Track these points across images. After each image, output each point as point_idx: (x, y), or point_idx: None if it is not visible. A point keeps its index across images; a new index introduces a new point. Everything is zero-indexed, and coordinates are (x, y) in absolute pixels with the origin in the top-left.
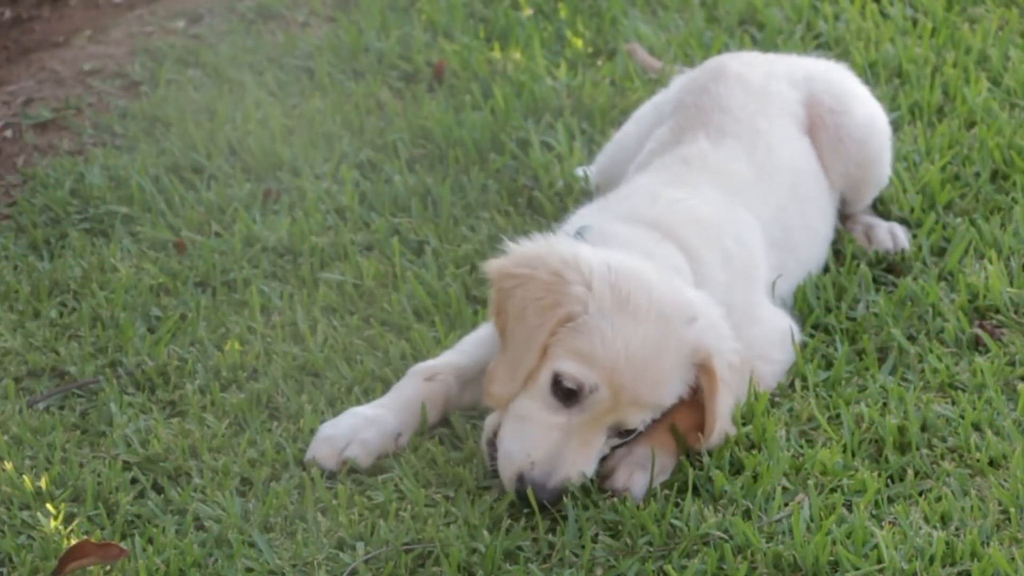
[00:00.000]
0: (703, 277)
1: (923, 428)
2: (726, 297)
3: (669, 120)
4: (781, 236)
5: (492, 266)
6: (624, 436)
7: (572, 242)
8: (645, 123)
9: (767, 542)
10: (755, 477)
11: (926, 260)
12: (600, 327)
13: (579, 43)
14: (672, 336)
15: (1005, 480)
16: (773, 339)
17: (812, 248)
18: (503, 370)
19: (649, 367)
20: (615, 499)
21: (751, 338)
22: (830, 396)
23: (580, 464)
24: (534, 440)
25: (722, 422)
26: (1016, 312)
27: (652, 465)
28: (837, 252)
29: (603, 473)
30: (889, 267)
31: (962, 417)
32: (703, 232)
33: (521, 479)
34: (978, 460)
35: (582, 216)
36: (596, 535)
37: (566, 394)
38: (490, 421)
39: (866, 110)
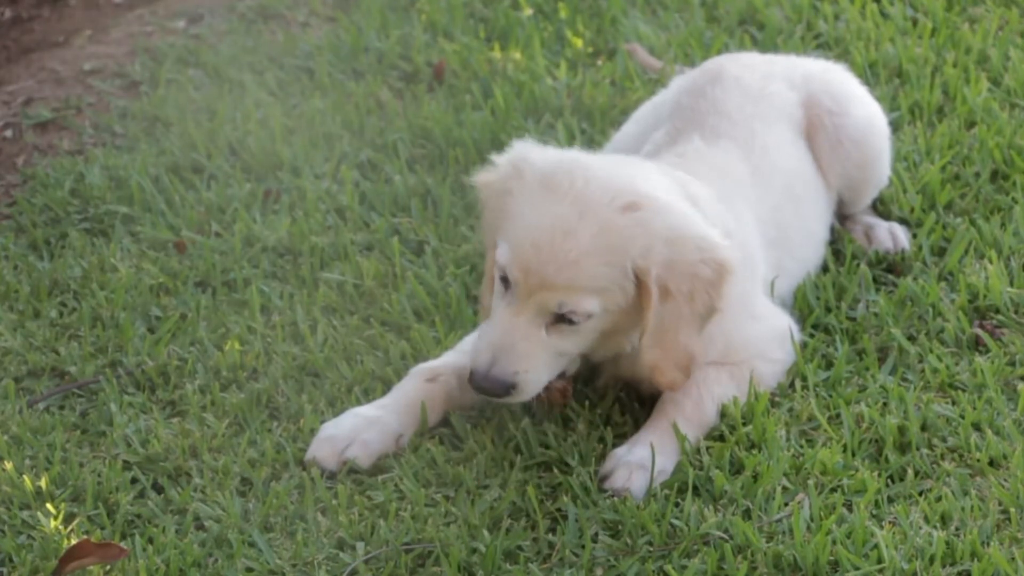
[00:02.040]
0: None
1: (923, 428)
2: None
3: (666, 123)
4: (777, 235)
5: (479, 176)
6: (569, 324)
7: (535, 144)
8: (644, 123)
9: (767, 542)
10: (755, 477)
11: (926, 260)
12: (518, 210)
13: (579, 43)
14: (590, 219)
15: (1005, 480)
16: (772, 337)
17: (809, 248)
18: (486, 278)
19: (556, 248)
20: (615, 499)
21: (749, 335)
22: (830, 396)
23: (521, 352)
24: (483, 329)
25: (664, 338)
26: (1016, 312)
27: (652, 465)
28: (837, 252)
29: (603, 473)
30: (889, 267)
31: (962, 417)
32: (708, 200)
33: (471, 373)
34: (978, 460)
35: None
36: (596, 535)
37: (503, 281)
38: None
39: (865, 111)
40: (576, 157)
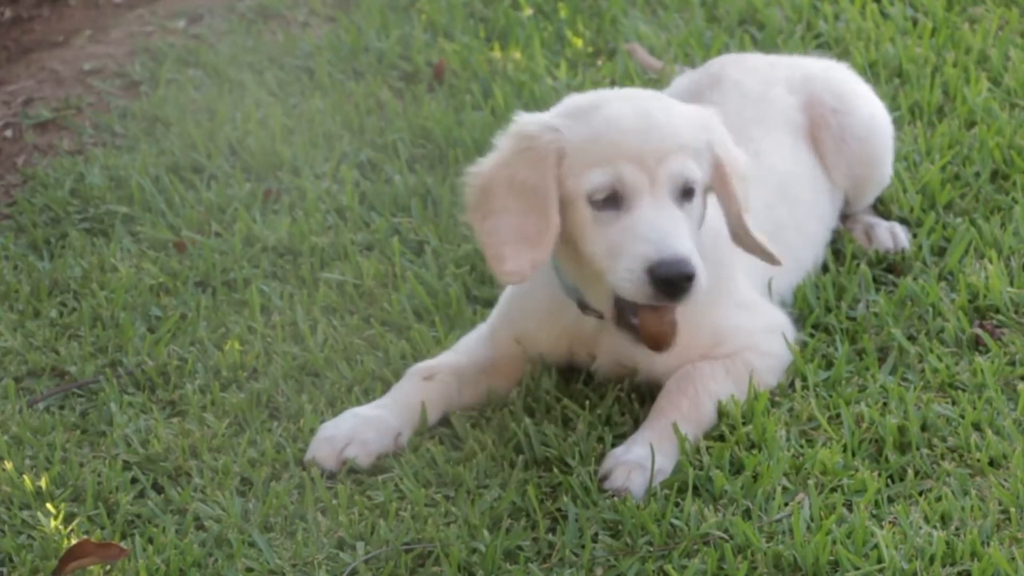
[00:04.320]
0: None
1: (923, 428)
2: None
3: None
4: (772, 231)
5: (471, 173)
6: (690, 196)
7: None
8: None
9: (767, 542)
10: (755, 477)
11: (926, 260)
12: (583, 136)
13: (579, 43)
14: (643, 100)
15: (1005, 480)
16: (763, 329)
17: (805, 248)
18: (511, 247)
19: (650, 120)
20: (615, 499)
21: (738, 323)
22: (830, 396)
23: (680, 235)
24: (628, 243)
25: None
26: (1016, 312)
27: (652, 464)
28: (837, 252)
29: (602, 473)
30: (889, 267)
31: (962, 417)
32: None
33: (651, 271)
34: (978, 460)
35: None
36: (596, 535)
37: (610, 202)
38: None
39: (868, 109)
40: (587, 94)
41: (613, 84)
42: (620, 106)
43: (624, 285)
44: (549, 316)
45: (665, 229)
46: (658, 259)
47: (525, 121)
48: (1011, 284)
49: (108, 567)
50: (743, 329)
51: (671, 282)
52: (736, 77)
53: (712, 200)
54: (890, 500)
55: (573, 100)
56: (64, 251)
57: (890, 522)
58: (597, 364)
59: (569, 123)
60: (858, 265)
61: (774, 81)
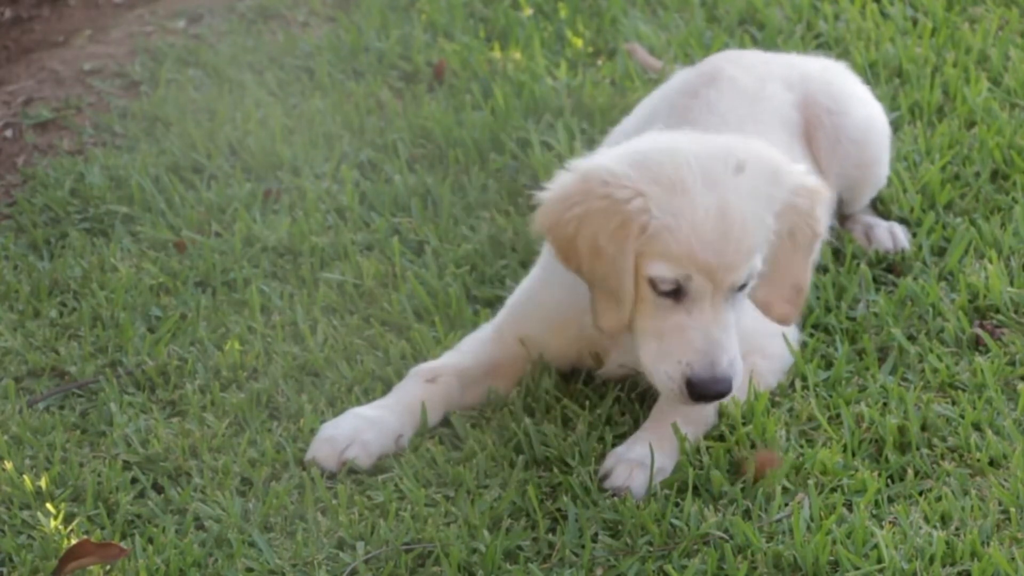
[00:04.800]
0: None
1: (923, 428)
2: None
3: (659, 121)
4: None
5: (540, 218)
6: (742, 289)
7: (596, 157)
8: (642, 118)
9: (767, 542)
10: (755, 477)
11: (926, 260)
12: (666, 222)
13: (579, 43)
14: (729, 194)
15: (1005, 480)
16: (767, 332)
17: None
18: (603, 304)
19: (726, 232)
20: (615, 499)
21: (745, 328)
22: (830, 396)
23: (728, 345)
24: (677, 345)
25: (772, 275)
26: (1016, 312)
27: (652, 463)
28: (837, 252)
29: (603, 472)
30: (889, 267)
31: (962, 417)
32: None
33: (690, 384)
34: (978, 460)
35: None
36: (596, 535)
37: (672, 293)
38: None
39: (865, 110)
40: (659, 147)
41: (613, 84)
42: (705, 202)
43: (662, 382)
44: (564, 324)
45: (714, 338)
46: (699, 378)
47: (610, 169)
48: (1011, 284)
49: (108, 567)
50: (747, 332)
51: (706, 396)
52: (731, 74)
53: None
54: (890, 500)
55: (657, 154)
56: (64, 251)
57: (890, 522)
58: (603, 369)
59: (656, 194)
60: (858, 265)
61: (770, 78)
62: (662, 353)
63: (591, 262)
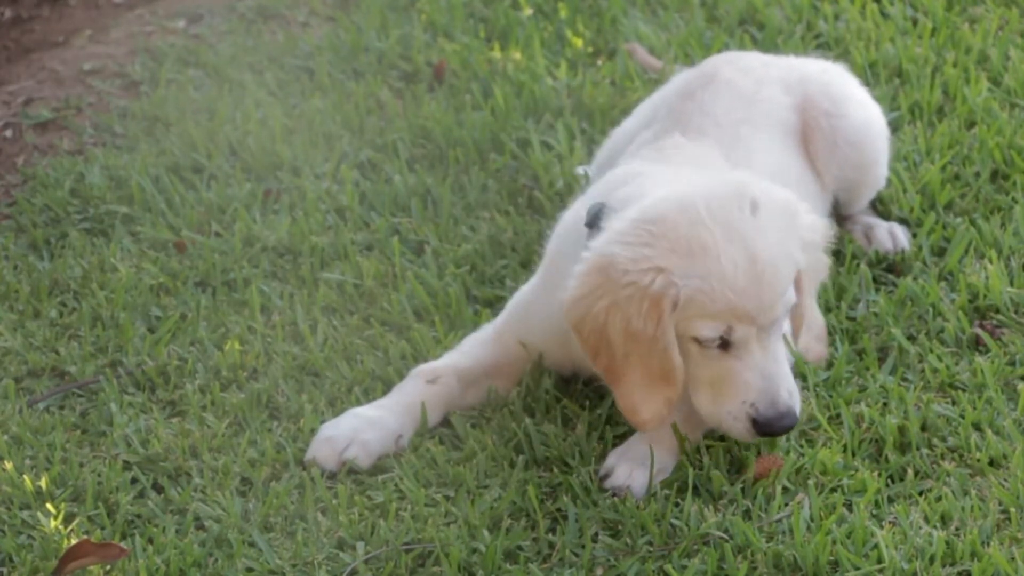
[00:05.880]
0: None
1: (923, 428)
2: None
3: (656, 123)
4: None
5: (567, 316)
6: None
7: (606, 243)
8: (641, 120)
9: (767, 542)
10: (755, 477)
11: (926, 260)
12: (696, 287)
13: (579, 43)
14: (749, 238)
15: (1005, 480)
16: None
17: None
18: (640, 394)
19: (753, 278)
20: (615, 498)
21: None
22: (830, 396)
23: (784, 376)
24: (734, 389)
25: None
26: (1016, 312)
27: (652, 463)
28: (837, 252)
29: (603, 472)
30: (889, 267)
31: (962, 417)
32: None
33: (756, 423)
34: (978, 460)
35: (578, 209)
36: (596, 535)
37: (719, 344)
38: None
39: (863, 113)
40: (668, 212)
41: (613, 84)
42: (731, 255)
43: (727, 424)
44: (564, 335)
45: (769, 374)
46: (764, 417)
47: (626, 256)
48: (1011, 284)
49: (108, 567)
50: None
51: (774, 433)
52: (729, 76)
53: None
54: (890, 500)
55: (667, 217)
56: (64, 251)
57: (890, 522)
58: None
59: (678, 264)
60: (858, 265)
61: (768, 81)
62: (721, 397)
63: (626, 347)
